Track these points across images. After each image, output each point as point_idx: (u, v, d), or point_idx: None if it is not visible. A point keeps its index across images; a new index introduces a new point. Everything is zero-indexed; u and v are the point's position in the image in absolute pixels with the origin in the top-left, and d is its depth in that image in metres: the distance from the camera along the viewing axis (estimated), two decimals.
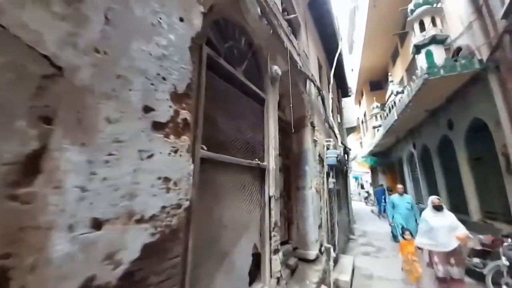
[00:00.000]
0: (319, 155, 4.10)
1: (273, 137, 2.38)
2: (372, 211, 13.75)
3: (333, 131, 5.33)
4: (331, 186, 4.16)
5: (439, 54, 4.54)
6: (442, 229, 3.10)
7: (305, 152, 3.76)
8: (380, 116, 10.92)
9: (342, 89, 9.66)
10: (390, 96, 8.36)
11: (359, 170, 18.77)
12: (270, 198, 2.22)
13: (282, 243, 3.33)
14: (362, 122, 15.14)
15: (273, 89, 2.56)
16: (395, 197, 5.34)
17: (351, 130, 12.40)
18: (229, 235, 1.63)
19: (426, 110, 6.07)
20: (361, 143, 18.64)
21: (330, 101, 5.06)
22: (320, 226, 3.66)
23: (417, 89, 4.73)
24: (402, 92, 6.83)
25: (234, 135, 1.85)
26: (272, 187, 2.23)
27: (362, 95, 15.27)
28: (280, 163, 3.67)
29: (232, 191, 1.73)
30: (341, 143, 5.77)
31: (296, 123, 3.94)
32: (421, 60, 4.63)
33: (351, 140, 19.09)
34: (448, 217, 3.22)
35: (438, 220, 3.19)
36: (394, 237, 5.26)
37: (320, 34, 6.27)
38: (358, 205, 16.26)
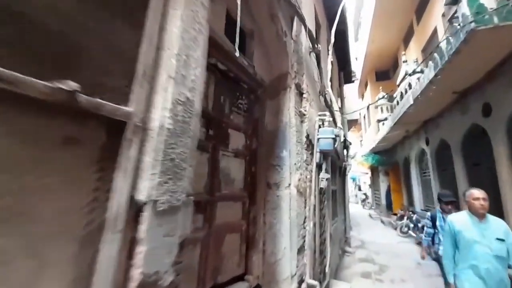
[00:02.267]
0: (307, 136, 2.66)
1: (176, 48, 0.93)
2: (370, 216, 12.52)
3: (331, 111, 3.89)
4: (323, 184, 2.72)
5: None
6: None
7: (284, 129, 2.32)
8: (387, 108, 9.50)
9: (344, 73, 8.20)
10: (403, 78, 6.91)
11: (358, 170, 17.48)
12: (139, 208, 0.77)
13: (234, 279, 1.93)
14: (364, 117, 13.73)
15: None
16: (462, 219, 2.07)
17: (351, 124, 10.99)
18: None
19: (455, 91, 4.64)
20: (361, 141, 17.27)
21: (330, 66, 3.60)
22: (301, 249, 2.24)
23: (454, 50, 3.28)
24: (421, 71, 5.40)
25: None
26: (147, 179, 0.78)
27: (366, 87, 13.81)
28: (242, 144, 2.26)
29: None
30: (341, 129, 4.31)
31: (272, 82, 2.49)
32: (463, 7, 3.17)
33: (351, 138, 17.70)
34: None
35: None
36: None
37: None
38: (354, 208, 15.02)
